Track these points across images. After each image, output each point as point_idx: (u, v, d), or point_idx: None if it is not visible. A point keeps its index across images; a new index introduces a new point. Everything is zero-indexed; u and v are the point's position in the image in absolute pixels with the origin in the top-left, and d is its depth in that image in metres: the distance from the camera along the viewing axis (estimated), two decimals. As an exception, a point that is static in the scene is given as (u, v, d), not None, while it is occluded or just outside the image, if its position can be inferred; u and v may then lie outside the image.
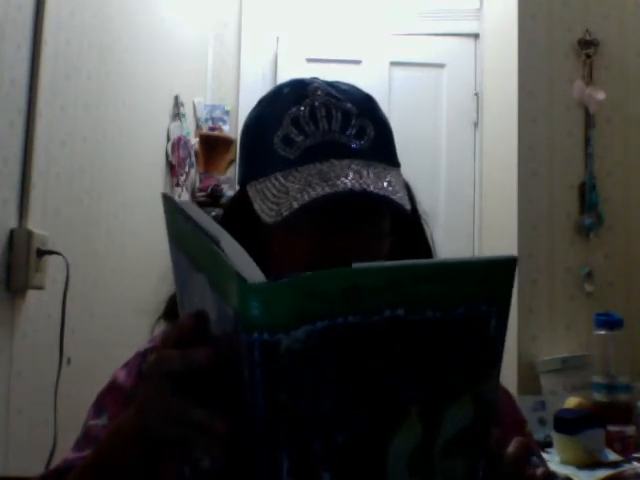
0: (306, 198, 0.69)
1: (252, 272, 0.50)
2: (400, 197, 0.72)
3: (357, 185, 0.69)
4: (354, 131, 0.75)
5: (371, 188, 0.70)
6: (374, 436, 0.53)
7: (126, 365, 0.86)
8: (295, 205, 0.68)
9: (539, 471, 0.62)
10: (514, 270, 0.54)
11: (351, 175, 0.71)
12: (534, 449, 0.84)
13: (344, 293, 0.50)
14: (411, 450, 0.54)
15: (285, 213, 0.69)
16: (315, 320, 0.50)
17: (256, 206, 0.73)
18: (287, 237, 0.73)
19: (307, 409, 0.51)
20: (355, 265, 0.50)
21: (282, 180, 0.72)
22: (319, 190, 0.69)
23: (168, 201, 0.62)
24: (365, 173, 0.72)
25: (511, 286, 0.54)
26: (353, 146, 0.74)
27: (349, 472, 0.53)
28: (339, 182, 0.69)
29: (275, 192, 0.72)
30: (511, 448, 0.60)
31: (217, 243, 0.53)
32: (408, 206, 0.72)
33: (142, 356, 0.84)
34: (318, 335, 0.50)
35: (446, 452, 0.55)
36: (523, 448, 0.61)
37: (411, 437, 0.54)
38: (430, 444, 0.54)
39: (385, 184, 0.72)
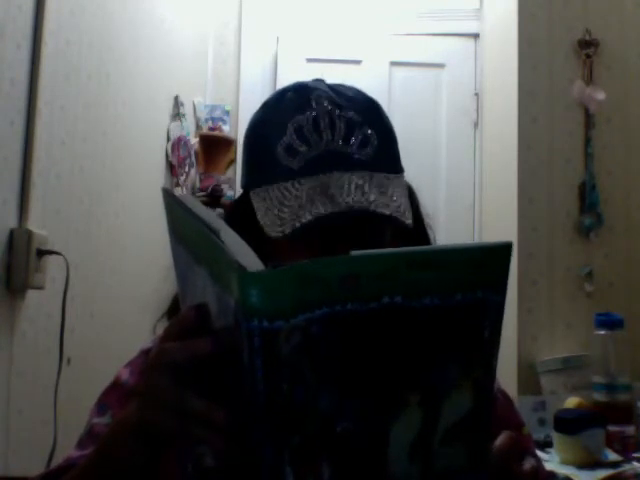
0: (308, 217, 0.70)
1: (251, 261, 0.51)
2: (401, 213, 0.73)
3: (358, 203, 0.71)
4: (357, 141, 0.76)
5: (372, 207, 0.71)
6: (374, 425, 0.53)
7: (130, 364, 0.86)
8: (297, 224, 0.70)
9: (526, 466, 0.62)
10: (510, 255, 0.54)
11: (353, 191, 0.72)
12: (531, 449, 0.84)
13: (342, 280, 0.50)
14: (411, 438, 0.54)
15: (287, 231, 0.70)
16: (314, 308, 0.50)
17: (259, 216, 0.74)
18: (289, 249, 0.74)
19: (306, 398, 0.51)
20: (353, 252, 0.50)
21: (285, 192, 0.73)
22: (321, 209, 0.70)
23: (168, 195, 0.63)
24: (367, 188, 0.72)
25: (507, 272, 0.55)
26: (356, 157, 0.75)
27: (349, 461, 0.53)
28: (341, 200, 0.71)
29: (278, 205, 0.73)
30: (498, 442, 0.60)
31: (217, 234, 0.53)
32: (409, 220, 0.73)
33: (145, 354, 0.84)
34: (317, 323, 0.50)
35: (447, 439, 0.55)
36: (510, 442, 0.60)
37: (411, 425, 0.54)
38: (431, 432, 0.54)
39: (387, 199, 0.73)
